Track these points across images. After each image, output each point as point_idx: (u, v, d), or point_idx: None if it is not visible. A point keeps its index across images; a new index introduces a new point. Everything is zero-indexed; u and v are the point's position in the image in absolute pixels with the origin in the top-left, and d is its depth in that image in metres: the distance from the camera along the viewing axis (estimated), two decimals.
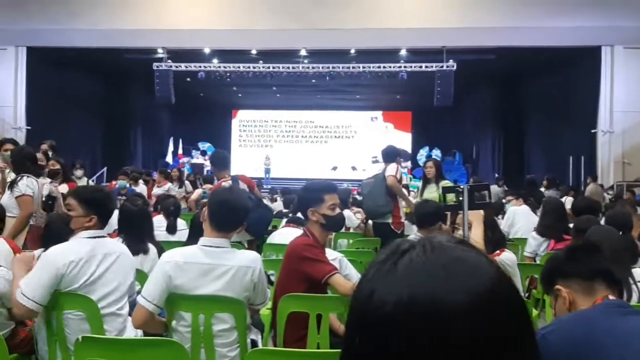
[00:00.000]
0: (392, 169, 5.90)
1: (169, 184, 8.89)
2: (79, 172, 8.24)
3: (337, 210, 3.05)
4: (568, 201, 7.88)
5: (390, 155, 6.17)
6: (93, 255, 2.67)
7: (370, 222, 6.32)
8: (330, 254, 3.28)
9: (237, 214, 2.75)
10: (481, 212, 2.96)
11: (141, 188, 8.87)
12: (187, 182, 11.33)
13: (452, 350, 0.64)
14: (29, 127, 14.47)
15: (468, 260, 0.70)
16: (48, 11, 13.89)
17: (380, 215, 5.85)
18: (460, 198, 2.33)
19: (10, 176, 4.89)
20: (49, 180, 5.30)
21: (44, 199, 4.80)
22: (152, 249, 3.71)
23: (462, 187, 2.36)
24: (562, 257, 1.86)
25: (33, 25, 13.89)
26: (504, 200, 9.27)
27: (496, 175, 17.59)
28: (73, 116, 16.45)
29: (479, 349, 0.64)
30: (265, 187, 17.33)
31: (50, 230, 3.87)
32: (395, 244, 0.75)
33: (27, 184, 4.54)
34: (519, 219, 6.17)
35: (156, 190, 8.59)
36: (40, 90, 14.75)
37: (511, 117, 17.94)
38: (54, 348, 2.60)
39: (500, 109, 18.67)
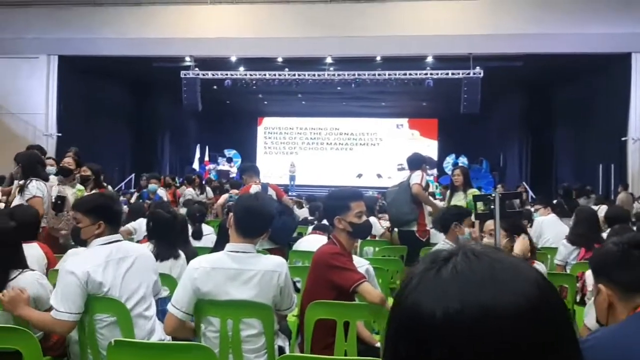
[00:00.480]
0: (417, 176, 5.86)
1: (190, 190, 8.81)
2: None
3: (364, 218, 3.04)
4: (602, 209, 7.71)
5: (416, 162, 6.13)
6: (109, 261, 2.69)
7: (395, 230, 6.28)
8: (358, 261, 3.27)
9: (262, 220, 2.77)
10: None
11: (161, 192, 8.81)
12: (208, 189, 11.36)
13: (500, 356, 0.63)
14: (59, 134, 14.77)
15: (513, 267, 0.69)
16: (79, 20, 14.20)
17: (405, 223, 5.81)
18: (492, 206, 2.30)
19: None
20: (56, 182, 5.43)
21: (53, 200, 4.95)
22: (181, 254, 3.74)
23: (492, 195, 2.33)
24: (615, 259, 1.77)
25: (65, 34, 14.23)
26: (532, 209, 9.13)
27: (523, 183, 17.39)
28: (102, 123, 16.76)
29: (524, 355, 0.63)
30: (290, 194, 17.37)
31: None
32: (433, 252, 0.75)
33: (37, 187, 4.67)
34: (547, 228, 6.05)
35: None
36: (71, 97, 15.08)
37: (539, 124, 17.70)
38: (85, 351, 2.64)
39: (528, 117, 18.44)
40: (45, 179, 4.97)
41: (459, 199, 6.08)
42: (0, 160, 9.06)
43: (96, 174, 6.27)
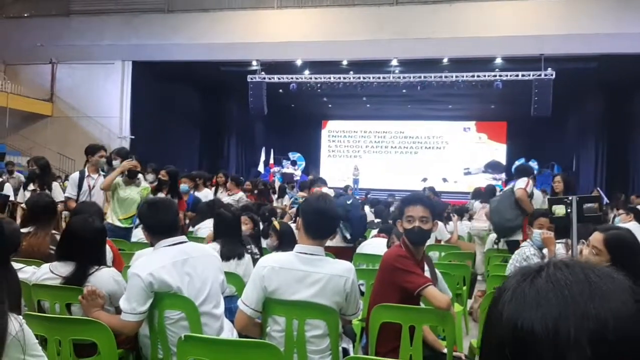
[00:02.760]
0: (522, 182, 5.69)
1: (240, 193, 8.26)
2: (150, 177, 8.08)
3: (415, 224, 2.96)
4: None
5: (523, 171, 6.00)
6: (175, 262, 2.75)
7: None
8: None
9: (331, 221, 2.77)
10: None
11: (205, 193, 8.50)
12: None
13: None
14: (132, 137, 15.36)
15: (606, 274, 0.66)
16: (151, 27, 14.74)
17: (509, 231, 5.62)
18: (569, 210, 2.18)
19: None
20: (122, 182, 5.85)
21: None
22: (245, 254, 3.79)
23: (570, 198, 2.21)
24: None
25: (138, 41, 14.80)
26: (615, 215, 8.72)
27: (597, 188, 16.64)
28: (172, 126, 17.32)
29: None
30: (356, 197, 17.35)
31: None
32: (524, 266, 0.72)
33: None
34: None
35: (226, 198, 7.88)
36: (143, 101, 15.67)
37: (615, 128, 16.89)
38: (156, 347, 2.71)
39: (603, 120, 17.63)
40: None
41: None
42: (79, 161, 9.53)
43: (173, 179, 6.47)
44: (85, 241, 2.84)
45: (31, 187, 6.17)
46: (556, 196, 5.90)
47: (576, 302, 0.62)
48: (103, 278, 2.81)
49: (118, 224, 5.92)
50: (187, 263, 2.80)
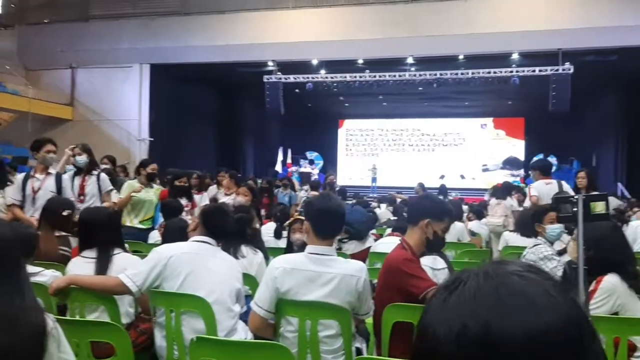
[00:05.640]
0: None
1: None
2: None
3: (445, 235, 3.03)
4: None
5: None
6: (193, 254, 2.94)
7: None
8: (438, 262, 3.21)
9: (338, 220, 2.80)
10: None
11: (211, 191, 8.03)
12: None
13: None
14: (151, 139, 15.53)
15: (520, 292, 0.67)
16: (168, 30, 14.88)
17: None
18: (575, 209, 2.18)
19: None
20: (137, 184, 6.13)
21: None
22: (251, 254, 3.81)
23: (576, 197, 2.20)
24: None
25: (155, 44, 14.95)
26: (631, 212, 8.62)
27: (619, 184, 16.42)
28: (190, 127, 17.47)
29: None
30: (371, 195, 17.37)
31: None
32: (454, 274, 0.75)
33: None
34: None
35: (225, 198, 7.26)
36: (161, 103, 15.83)
37: (636, 122, 16.60)
38: (171, 345, 2.77)
39: (624, 114, 17.33)
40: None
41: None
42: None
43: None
44: (98, 227, 3.15)
45: None
46: (579, 191, 5.88)
47: (477, 317, 0.64)
48: (121, 261, 3.11)
49: (138, 225, 6.05)
50: (205, 259, 2.93)
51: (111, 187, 5.77)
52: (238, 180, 7.89)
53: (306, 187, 12.60)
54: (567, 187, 5.98)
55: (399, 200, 10.18)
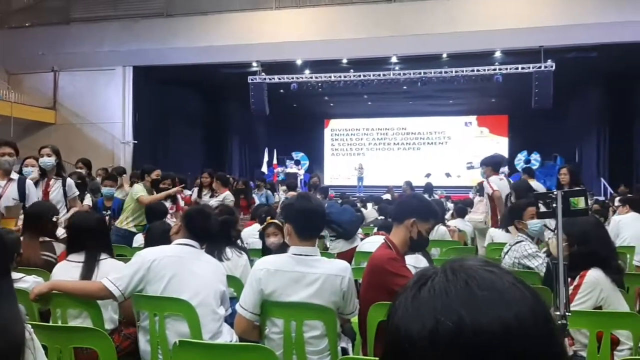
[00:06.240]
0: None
1: (226, 193, 7.36)
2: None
3: (428, 235, 3.04)
4: None
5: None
6: (177, 257, 2.91)
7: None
8: (420, 261, 3.23)
9: (318, 219, 2.81)
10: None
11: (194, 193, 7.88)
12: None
13: None
14: (135, 142, 15.43)
15: (489, 284, 0.68)
16: (151, 32, 14.79)
17: None
18: (554, 205, 2.20)
19: None
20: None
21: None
22: (236, 256, 3.80)
23: (555, 192, 2.22)
24: None
25: (138, 46, 14.85)
26: (611, 209, 8.70)
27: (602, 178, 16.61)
28: (175, 129, 17.39)
29: None
30: (357, 195, 17.41)
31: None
32: (419, 272, 0.75)
33: None
34: (625, 227, 5.68)
35: (212, 201, 7.01)
36: (145, 106, 15.74)
37: (617, 117, 16.79)
38: (155, 350, 2.75)
39: (606, 110, 17.52)
40: None
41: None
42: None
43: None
44: (88, 231, 3.18)
45: None
46: (561, 188, 5.91)
47: (450, 311, 0.65)
48: (107, 266, 3.10)
49: (131, 229, 6.07)
50: (189, 262, 2.91)
51: (77, 193, 5.47)
52: (225, 181, 7.68)
53: (283, 187, 12.53)
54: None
55: (391, 195, 10.18)
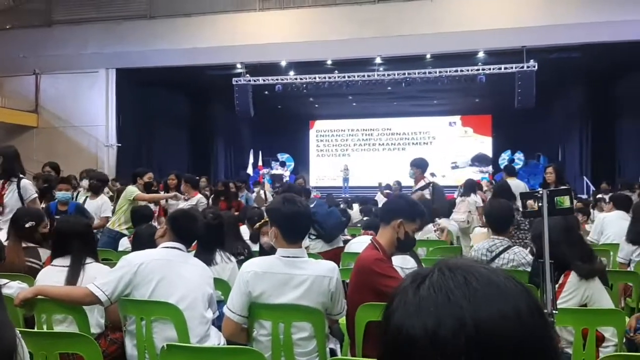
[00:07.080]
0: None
1: (198, 196, 7.06)
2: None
3: (415, 236, 3.06)
4: None
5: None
6: (164, 260, 2.90)
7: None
8: (408, 261, 3.24)
9: (304, 221, 2.80)
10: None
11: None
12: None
13: None
14: (119, 145, 15.31)
15: (487, 279, 0.69)
16: (134, 34, 14.68)
17: None
18: (540, 204, 2.22)
19: None
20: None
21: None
22: (224, 261, 3.78)
23: (540, 192, 2.25)
24: None
25: (121, 48, 14.74)
26: (594, 210, 8.80)
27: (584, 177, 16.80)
28: (159, 132, 17.29)
29: None
30: (343, 196, 17.44)
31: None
32: (413, 271, 0.76)
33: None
34: (609, 225, 5.73)
35: (181, 204, 6.63)
36: (129, 108, 15.61)
37: (601, 117, 16.99)
38: (142, 354, 2.73)
39: (588, 109, 17.73)
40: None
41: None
42: (67, 171, 9.50)
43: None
44: (74, 236, 3.14)
45: None
46: (547, 186, 5.95)
47: (453, 307, 0.65)
48: (92, 271, 3.07)
49: (125, 232, 6.05)
50: (176, 265, 2.90)
51: (35, 195, 5.10)
52: (195, 183, 7.39)
53: (257, 188, 12.53)
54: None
55: (383, 195, 10.20)
